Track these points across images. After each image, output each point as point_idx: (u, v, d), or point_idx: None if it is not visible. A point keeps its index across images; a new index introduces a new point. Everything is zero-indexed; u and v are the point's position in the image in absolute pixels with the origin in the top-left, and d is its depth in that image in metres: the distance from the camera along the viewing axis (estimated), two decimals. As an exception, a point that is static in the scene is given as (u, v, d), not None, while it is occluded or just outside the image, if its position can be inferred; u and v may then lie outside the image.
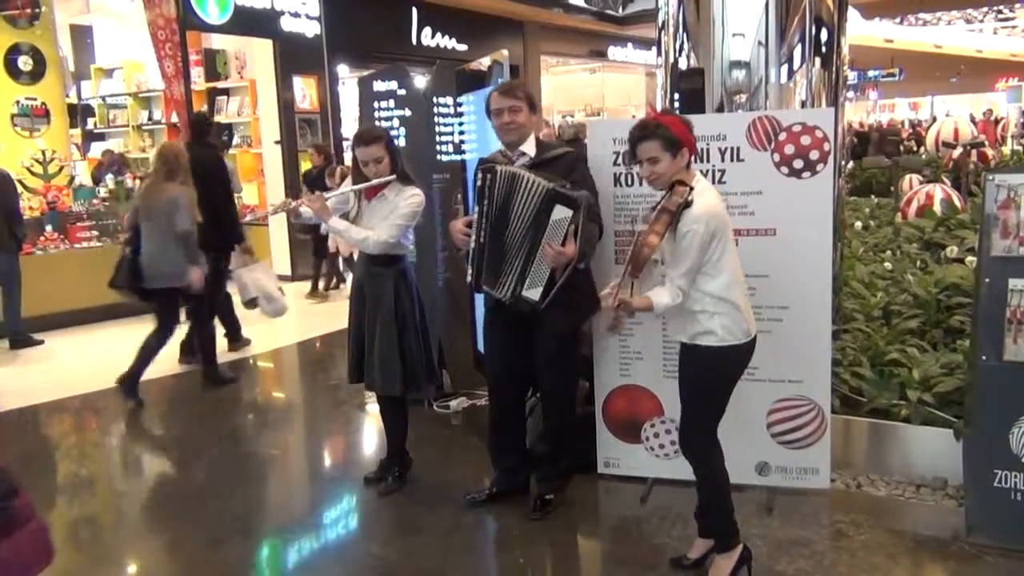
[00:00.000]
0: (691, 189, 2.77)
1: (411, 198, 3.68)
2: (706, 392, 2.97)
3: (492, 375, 3.79)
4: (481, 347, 4.69)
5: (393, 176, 3.67)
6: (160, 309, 5.53)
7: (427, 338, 3.91)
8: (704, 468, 3.02)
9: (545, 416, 3.80)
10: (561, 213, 3.20)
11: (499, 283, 3.39)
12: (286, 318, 7.02)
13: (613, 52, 16.84)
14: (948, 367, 4.00)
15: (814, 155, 3.47)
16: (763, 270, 3.56)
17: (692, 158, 2.89)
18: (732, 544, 3.02)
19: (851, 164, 13.71)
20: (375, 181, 3.67)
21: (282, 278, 10.19)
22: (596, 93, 19.06)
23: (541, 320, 3.41)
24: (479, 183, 3.39)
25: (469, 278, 3.50)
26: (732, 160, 3.56)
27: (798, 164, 3.49)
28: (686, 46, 4.64)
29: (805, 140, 3.47)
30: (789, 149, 3.49)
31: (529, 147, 3.49)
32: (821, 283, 3.54)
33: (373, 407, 4.93)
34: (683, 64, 4.66)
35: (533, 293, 3.31)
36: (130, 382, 5.48)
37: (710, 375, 2.94)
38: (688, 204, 2.74)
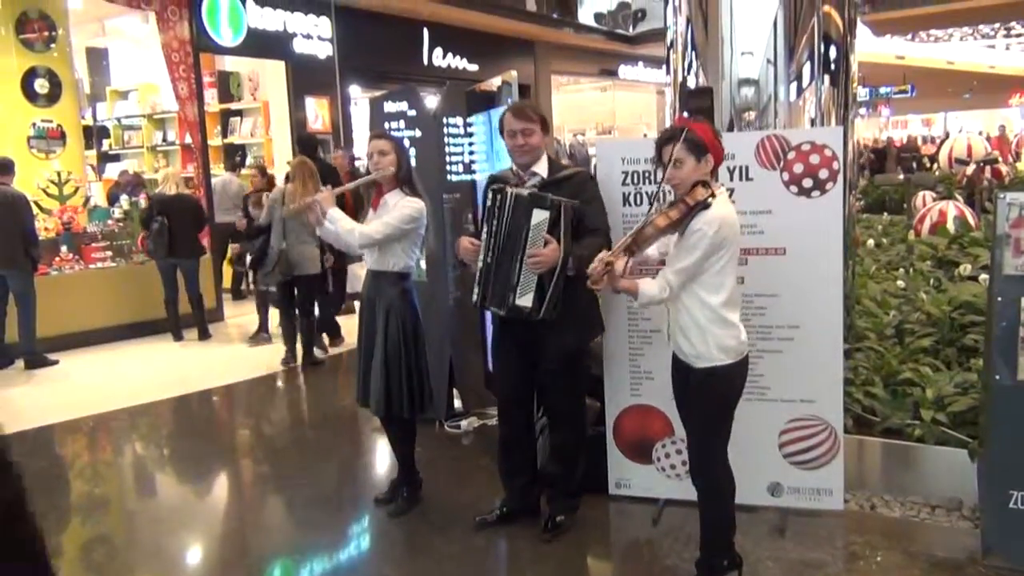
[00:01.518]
0: (712, 194, 2.79)
1: (409, 204, 3.71)
2: (709, 415, 2.96)
3: (502, 395, 3.79)
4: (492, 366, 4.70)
5: (391, 169, 3.69)
6: (301, 295, 6.79)
7: (419, 364, 3.85)
8: (712, 498, 3.00)
9: (552, 436, 3.79)
10: (539, 217, 3.26)
11: (498, 298, 3.42)
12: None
13: (624, 71, 16.89)
14: (962, 386, 3.96)
15: (823, 174, 3.46)
16: (773, 289, 3.55)
17: (717, 169, 2.92)
18: None
19: (863, 181, 13.68)
20: (372, 176, 3.70)
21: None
22: (607, 111, 19.09)
23: (545, 340, 3.42)
24: (489, 203, 3.43)
25: (475, 298, 3.52)
26: (741, 179, 3.55)
27: (807, 183, 3.48)
28: (695, 64, 4.66)
29: (814, 159, 3.46)
30: (798, 168, 3.49)
31: (541, 167, 3.51)
32: (832, 302, 3.53)
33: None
34: (692, 83, 4.67)
35: (525, 300, 3.33)
36: (310, 358, 6.87)
37: (712, 396, 2.92)
38: (707, 206, 2.77)
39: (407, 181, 3.75)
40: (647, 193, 3.71)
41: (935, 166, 15.65)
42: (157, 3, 8.67)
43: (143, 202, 9.05)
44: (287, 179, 6.69)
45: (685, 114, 4.67)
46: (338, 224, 3.69)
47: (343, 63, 10.67)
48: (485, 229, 3.45)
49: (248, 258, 7.12)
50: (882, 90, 24.29)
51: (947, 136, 19.94)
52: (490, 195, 3.45)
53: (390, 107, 5.15)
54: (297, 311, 6.88)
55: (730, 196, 3.51)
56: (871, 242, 7.86)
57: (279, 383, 6.69)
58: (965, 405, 3.78)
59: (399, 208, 3.68)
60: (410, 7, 11.03)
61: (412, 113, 5.08)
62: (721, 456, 2.98)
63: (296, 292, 6.80)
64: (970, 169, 12.24)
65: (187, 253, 7.78)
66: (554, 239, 3.26)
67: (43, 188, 8.19)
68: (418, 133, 5.05)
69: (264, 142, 10.71)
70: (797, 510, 3.66)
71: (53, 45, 8.42)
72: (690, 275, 2.81)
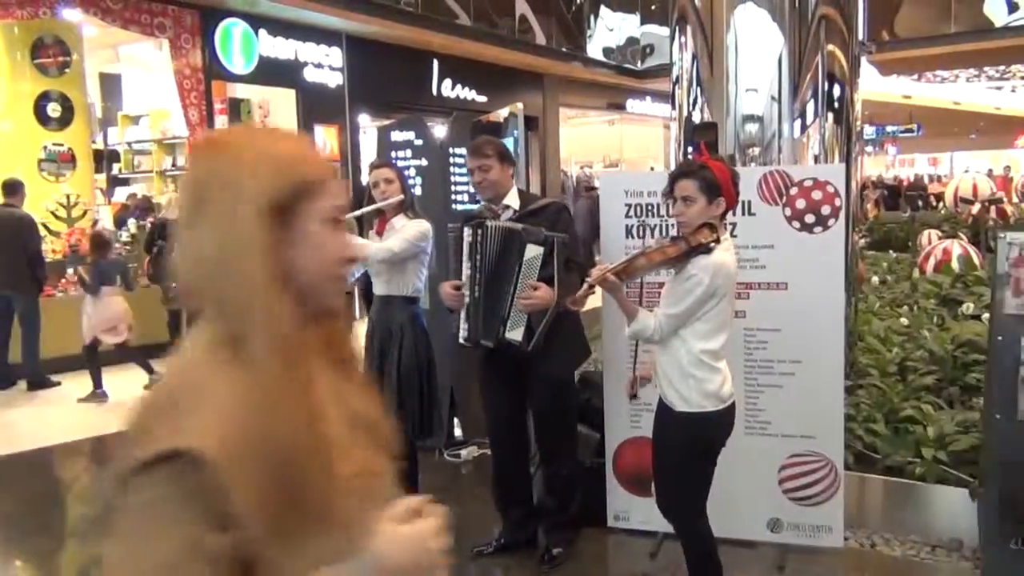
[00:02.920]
0: (717, 239, 2.72)
1: (418, 224, 3.74)
2: (684, 462, 2.88)
3: (491, 427, 3.80)
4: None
5: (401, 197, 3.73)
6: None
7: (431, 388, 3.86)
8: (687, 535, 2.95)
9: (544, 466, 3.78)
10: (532, 252, 3.29)
11: (487, 331, 3.45)
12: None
13: (631, 105, 17.03)
14: (964, 425, 3.95)
15: (825, 210, 3.48)
16: (775, 324, 3.55)
17: (727, 214, 2.82)
18: None
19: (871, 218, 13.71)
20: (381, 203, 3.72)
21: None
22: (614, 145, 19.22)
23: (533, 369, 3.43)
24: (470, 239, 3.46)
25: (464, 334, 3.54)
26: (743, 214, 3.57)
27: (809, 219, 3.50)
28: (700, 100, 4.70)
29: (816, 195, 3.48)
30: (800, 204, 3.50)
31: (512, 199, 3.56)
32: (833, 337, 3.52)
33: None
34: (697, 118, 4.71)
35: (515, 334, 3.36)
36: None
37: (688, 442, 2.84)
38: (708, 250, 2.70)
39: (410, 206, 3.79)
40: (650, 226, 3.73)
41: (941, 205, 15.69)
42: (171, 31, 8.80)
43: (149, 226, 9.11)
44: None
45: (690, 149, 4.71)
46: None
47: (353, 92, 10.79)
48: (468, 264, 3.48)
49: None
50: (888, 129, 24.41)
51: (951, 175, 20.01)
52: (469, 231, 3.48)
53: (397, 136, 5.20)
54: None
55: (732, 230, 3.54)
56: (876, 279, 7.87)
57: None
58: (967, 444, 3.76)
59: (409, 227, 3.70)
60: (420, 38, 11.15)
61: (419, 143, 5.13)
62: (698, 506, 2.88)
63: None
64: (975, 208, 12.26)
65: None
66: (543, 281, 3.27)
67: (52, 211, 8.25)
68: (424, 162, 5.09)
69: (273, 169, 10.78)
70: (796, 547, 3.63)
71: (67, 70, 8.53)
72: (681, 320, 2.75)
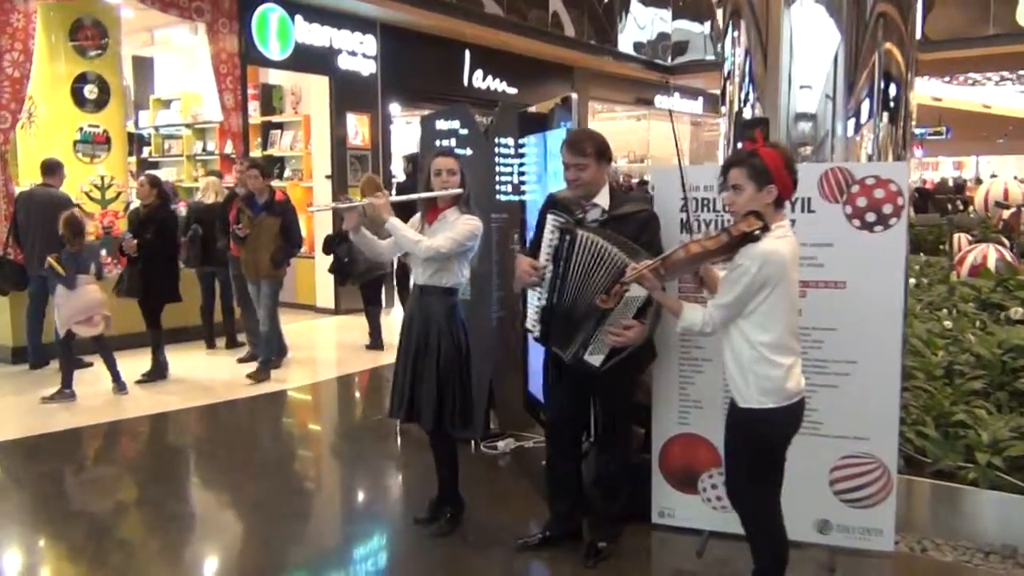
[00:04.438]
0: (765, 226, 2.66)
1: (469, 220, 3.70)
2: (741, 457, 2.89)
3: (551, 417, 3.77)
4: (534, 388, 4.67)
5: (460, 190, 3.70)
6: (373, 293, 8.17)
7: (469, 379, 3.83)
8: (750, 529, 2.94)
9: (598, 461, 3.75)
10: (636, 291, 3.17)
11: (565, 345, 3.39)
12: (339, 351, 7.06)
13: (660, 101, 16.93)
14: (1018, 430, 3.89)
15: (887, 209, 3.42)
16: (831, 323, 3.51)
17: (782, 200, 2.78)
18: None
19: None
20: (436, 193, 3.69)
21: (324, 311, 10.29)
22: (641, 140, 19.11)
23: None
24: (556, 242, 3.35)
25: (534, 330, 3.49)
26: (803, 211, 3.52)
27: (871, 217, 3.45)
28: (751, 96, 4.64)
29: (879, 193, 3.43)
30: (862, 202, 3.45)
31: (603, 199, 3.46)
32: (891, 339, 3.48)
33: (422, 444, 4.89)
34: (748, 114, 4.66)
35: (594, 359, 3.33)
36: (375, 340, 8.08)
37: (747, 438, 2.85)
38: (755, 239, 2.65)
39: (466, 200, 3.75)
40: (705, 220, 3.69)
41: (970, 209, 15.53)
42: (209, 15, 8.80)
43: (182, 210, 9.12)
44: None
45: (739, 145, 4.65)
46: (400, 232, 3.64)
47: (385, 81, 10.77)
48: (552, 269, 3.36)
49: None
50: (917, 131, 24.18)
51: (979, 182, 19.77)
52: (555, 233, 3.35)
53: (442, 125, 5.18)
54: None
55: (792, 227, 3.48)
56: (912, 281, 7.78)
57: (307, 396, 6.68)
58: (1022, 450, 3.70)
59: (461, 224, 3.65)
60: (453, 28, 11.12)
61: (464, 132, 5.10)
62: (759, 498, 2.89)
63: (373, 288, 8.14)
64: (1006, 213, 12.13)
65: (224, 262, 7.81)
66: (641, 316, 3.23)
67: (86, 192, 8.29)
68: (469, 152, 5.06)
69: (303, 155, 10.79)
70: (846, 549, 3.59)
71: (104, 52, 8.55)
72: (733, 311, 2.72)
